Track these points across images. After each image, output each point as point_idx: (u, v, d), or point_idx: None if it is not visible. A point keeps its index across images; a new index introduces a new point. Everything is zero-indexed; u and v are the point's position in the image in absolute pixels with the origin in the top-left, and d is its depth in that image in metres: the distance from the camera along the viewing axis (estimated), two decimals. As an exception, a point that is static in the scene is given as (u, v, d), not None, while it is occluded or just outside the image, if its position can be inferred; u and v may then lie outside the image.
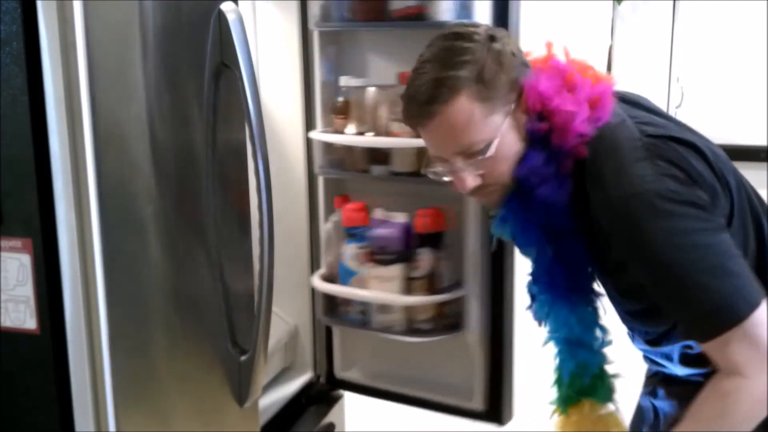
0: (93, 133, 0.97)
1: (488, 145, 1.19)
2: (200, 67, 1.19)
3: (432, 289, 1.75)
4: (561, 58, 1.27)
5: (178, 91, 1.14)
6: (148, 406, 1.13)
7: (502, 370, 1.77)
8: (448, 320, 1.79)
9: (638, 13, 2.46)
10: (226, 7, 1.21)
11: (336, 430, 1.79)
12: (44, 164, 0.97)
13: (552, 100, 1.19)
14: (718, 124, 2.98)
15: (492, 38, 1.20)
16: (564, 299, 1.30)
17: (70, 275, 0.99)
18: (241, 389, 1.33)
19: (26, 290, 1.02)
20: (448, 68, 1.16)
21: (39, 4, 0.94)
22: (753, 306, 1.08)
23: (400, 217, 1.75)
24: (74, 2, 0.93)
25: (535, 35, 3.34)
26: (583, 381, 1.35)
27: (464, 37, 1.19)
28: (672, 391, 1.33)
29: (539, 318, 1.35)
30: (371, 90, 1.71)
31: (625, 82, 2.49)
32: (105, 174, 0.99)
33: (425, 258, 1.74)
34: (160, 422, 1.15)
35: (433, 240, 1.75)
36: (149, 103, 1.09)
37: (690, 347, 1.25)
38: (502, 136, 1.19)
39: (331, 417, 1.78)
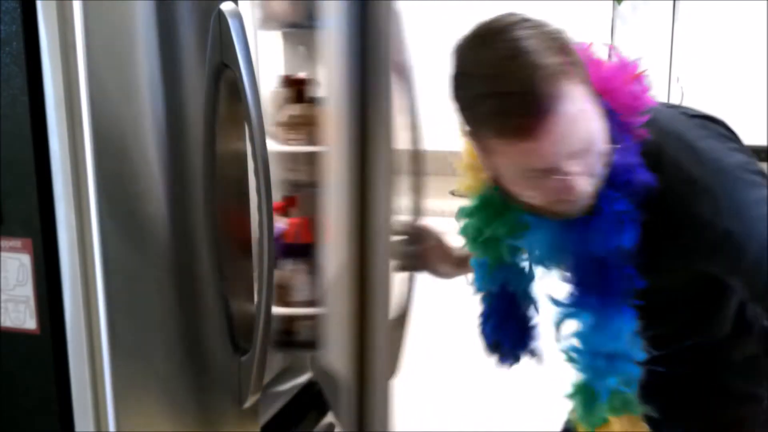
0: (93, 133, 0.97)
1: (594, 141, 1.08)
2: (200, 67, 1.19)
3: (283, 302, 1.66)
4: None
5: (178, 91, 1.14)
6: (148, 406, 1.13)
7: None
8: (298, 337, 1.73)
9: (638, 13, 2.46)
10: (226, 7, 1.21)
11: (336, 430, 1.78)
12: (44, 164, 0.97)
13: (613, 81, 1.13)
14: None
15: (555, 29, 1.10)
16: (610, 308, 1.20)
17: (70, 275, 0.99)
18: (241, 389, 1.33)
19: (26, 290, 1.02)
20: (543, 57, 1.02)
21: (39, 4, 0.94)
22: None
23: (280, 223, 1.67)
24: (74, 2, 0.93)
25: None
26: (625, 396, 1.26)
27: (546, 30, 1.08)
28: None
29: (559, 324, 1.27)
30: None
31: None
32: (105, 174, 0.99)
33: (286, 269, 1.66)
34: (160, 422, 1.15)
35: (301, 251, 1.66)
36: (149, 103, 1.09)
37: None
38: (597, 125, 1.09)
39: (331, 417, 1.78)
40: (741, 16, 2.92)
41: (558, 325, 1.26)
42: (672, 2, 2.44)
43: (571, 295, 1.23)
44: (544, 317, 1.38)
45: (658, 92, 2.48)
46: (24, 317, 1.03)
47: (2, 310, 1.03)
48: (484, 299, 1.44)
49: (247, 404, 1.35)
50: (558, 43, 1.06)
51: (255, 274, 1.37)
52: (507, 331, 1.42)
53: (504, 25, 1.09)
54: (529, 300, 1.41)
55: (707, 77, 2.95)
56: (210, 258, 1.24)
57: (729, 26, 2.94)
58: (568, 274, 1.24)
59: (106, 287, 1.00)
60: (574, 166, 1.07)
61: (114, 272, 1.02)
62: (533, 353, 1.43)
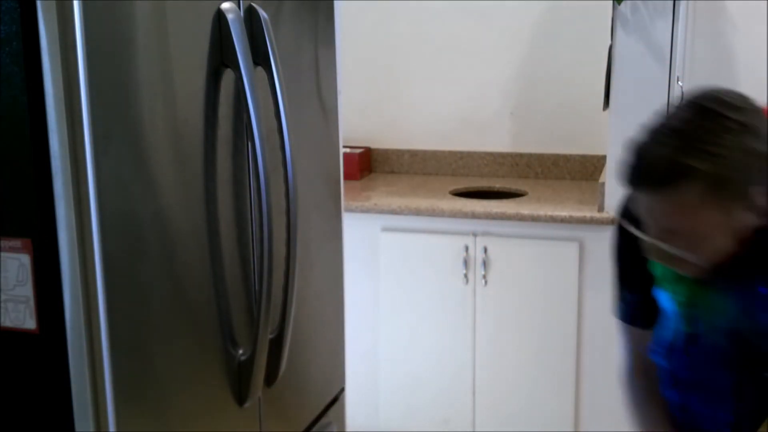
0: (93, 133, 0.97)
1: (688, 239, 1.13)
2: (200, 67, 1.19)
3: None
4: None
5: (178, 91, 1.14)
6: (148, 406, 1.13)
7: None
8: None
9: (638, 13, 2.46)
10: (226, 7, 1.22)
11: (336, 429, 1.79)
12: (44, 164, 0.97)
13: None
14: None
15: (747, 128, 1.08)
16: None
17: (70, 275, 0.99)
18: (241, 389, 1.33)
19: (26, 290, 1.02)
20: (688, 153, 1.07)
21: (39, 4, 0.94)
22: None
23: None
24: (74, 2, 0.93)
25: (533, 35, 3.35)
26: None
27: (719, 117, 1.08)
28: None
29: None
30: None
31: (625, 82, 2.49)
32: (105, 174, 0.99)
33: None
34: (160, 422, 1.15)
35: None
36: (149, 103, 1.09)
37: None
38: (710, 234, 1.12)
39: (330, 416, 1.78)
40: (741, 16, 2.92)
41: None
42: (672, 2, 2.43)
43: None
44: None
45: (658, 93, 2.48)
46: (24, 317, 1.03)
47: (2, 310, 1.03)
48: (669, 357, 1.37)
49: (247, 404, 1.35)
50: (709, 149, 1.07)
51: (255, 274, 1.37)
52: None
53: (695, 96, 1.14)
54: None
55: (707, 77, 2.95)
56: (210, 257, 1.24)
57: (729, 26, 2.94)
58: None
59: (106, 287, 1.01)
60: (662, 236, 1.14)
61: (114, 272, 1.02)
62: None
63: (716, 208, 1.09)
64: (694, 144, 1.07)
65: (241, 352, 1.33)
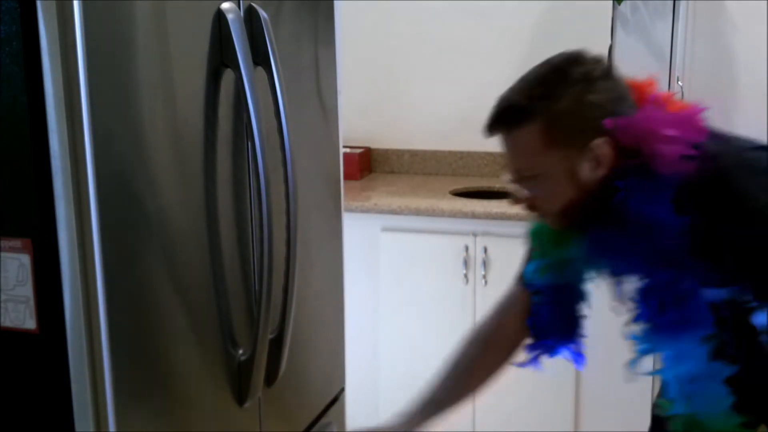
0: (93, 133, 0.97)
1: (535, 177, 1.25)
2: (200, 67, 1.19)
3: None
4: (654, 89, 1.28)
5: (178, 91, 1.14)
6: (148, 406, 1.13)
7: None
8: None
9: (638, 13, 2.46)
10: (226, 7, 1.22)
11: (336, 429, 1.79)
12: (44, 164, 0.97)
13: (649, 130, 1.20)
14: (719, 124, 2.98)
15: (589, 81, 1.21)
16: (685, 334, 1.25)
17: (70, 275, 0.99)
18: (241, 389, 1.33)
19: (26, 290, 1.02)
20: (529, 97, 1.23)
21: (39, 4, 0.94)
22: None
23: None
24: (74, 2, 0.93)
25: (533, 35, 3.35)
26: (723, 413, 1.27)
27: (563, 71, 1.22)
28: None
29: (644, 352, 1.30)
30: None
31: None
32: (105, 174, 0.99)
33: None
34: (160, 422, 1.15)
35: None
36: (149, 103, 1.09)
37: None
38: (550, 175, 1.24)
39: (330, 416, 1.78)
40: (741, 16, 2.92)
41: (638, 359, 1.30)
42: (672, 2, 2.44)
43: (644, 327, 1.28)
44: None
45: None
46: (24, 317, 1.03)
47: (2, 310, 1.03)
48: (536, 294, 1.47)
49: (247, 404, 1.35)
50: (547, 92, 1.22)
51: (255, 274, 1.37)
52: (555, 324, 1.46)
53: (554, 56, 1.26)
54: (582, 295, 1.46)
55: (707, 77, 2.95)
56: (210, 257, 1.24)
57: (729, 26, 2.94)
58: (636, 303, 1.28)
59: (106, 287, 1.01)
60: (513, 178, 1.29)
61: (114, 272, 1.02)
62: (576, 349, 1.48)
63: (554, 149, 1.22)
64: (535, 90, 1.23)
65: (241, 352, 1.33)
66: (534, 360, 1.50)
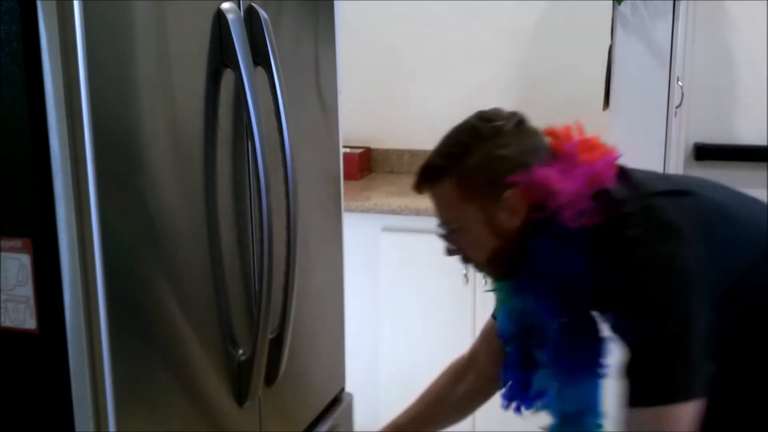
0: (93, 133, 0.97)
1: (459, 229, 1.34)
2: (200, 67, 1.19)
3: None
4: (574, 135, 1.34)
5: (178, 91, 1.14)
6: (148, 406, 1.13)
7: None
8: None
9: (638, 13, 2.46)
10: (226, 7, 1.22)
11: (341, 429, 1.79)
12: (44, 164, 0.97)
13: (551, 185, 1.25)
14: (719, 124, 2.98)
15: (498, 136, 1.28)
16: (576, 375, 1.31)
17: (70, 275, 0.99)
18: (241, 389, 1.33)
19: (26, 290, 1.02)
20: (443, 156, 1.33)
21: (39, 4, 0.93)
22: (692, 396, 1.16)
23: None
24: (74, 2, 0.93)
25: (533, 35, 3.34)
26: None
27: (474, 128, 1.31)
28: None
29: (538, 387, 1.39)
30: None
31: (625, 82, 2.49)
32: (105, 174, 0.99)
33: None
34: (160, 422, 1.15)
35: None
36: (149, 103, 1.09)
37: None
38: (471, 227, 1.32)
39: (330, 416, 1.78)
40: (741, 16, 2.92)
41: (530, 389, 1.40)
42: (672, 2, 2.43)
43: (543, 359, 1.36)
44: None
45: (658, 93, 2.48)
46: (24, 317, 1.03)
47: (2, 310, 1.03)
48: (507, 344, 1.50)
49: (247, 404, 1.35)
50: (458, 152, 1.30)
51: (255, 274, 1.37)
52: (517, 376, 1.48)
53: (480, 117, 1.33)
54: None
55: (707, 77, 2.95)
56: (210, 257, 1.24)
57: (729, 26, 2.94)
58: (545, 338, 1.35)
59: (106, 287, 1.00)
60: (441, 231, 1.37)
61: (114, 272, 1.02)
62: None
63: (470, 202, 1.31)
64: (449, 148, 1.33)
65: (241, 352, 1.33)
66: (516, 410, 1.52)
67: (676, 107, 2.63)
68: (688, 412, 1.16)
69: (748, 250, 1.26)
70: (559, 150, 1.31)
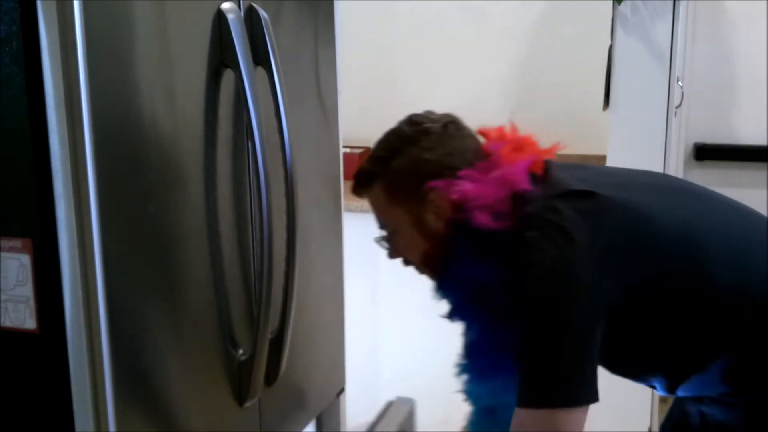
0: (93, 133, 0.97)
1: (394, 231, 1.36)
2: (200, 67, 1.19)
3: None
4: (507, 135, 1.36)
5: (178, 91, 1.14)
6: (148, 406, 1.13)
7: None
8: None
9: (638, 13, 2.46)
10: (226, 7, 1.22)
11: (336, 429, 1.79)
12: (44, 164, 0.97)
13: (467, 189, 1.26)
14: (719, 124, 2.98)
15: (423, 139, 1.30)
16: (489, 372, 1.34)
17: (70, 275, 0.99)
18: (241, 389, 1.33)
19: (26, 290, 1.02)
20: (373, 161, 1.35)
21: (39, 4, 0.94)
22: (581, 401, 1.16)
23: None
24: (74, 2, 0.93)
25: (533, 35, 3.34)
26: None
27: (401, 132, 1.34)
28: (726, 400, 1.31)
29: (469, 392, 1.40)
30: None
31: (625, 82, 2.49)
32: (105, 174, 0.99)
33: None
34: (160, 422, 1.15)
35: None
36: (149, 103, 1.09)
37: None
38: (403, 229, 1.34)
39: (330, 416, 1.78)
40: (741, 16, 2.92)
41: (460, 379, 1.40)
42: (672, 2, 2.43)
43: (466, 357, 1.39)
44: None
45: (658, 93, 2.48)
46: (24, 317, 1.03)
47: (2, 310, 1.03)
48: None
49: (247, 404, 1.35)
50: (386, 155, 1.33)
51: (255, 274, 1.37)
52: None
53: (414, 120, 1.36)
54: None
55: (707, 77, 2.95)
56: (210, 257, 1.24)
57: (729, 26, 2.94)
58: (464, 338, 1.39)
59: (106, 287, 1.00)
60: (389, 241, 1.38)
61: (114, 272, 1.02)
62: None
63: (399, 204, 1.33)
64: (378, 153, 1.35)
65: (241, 352, 1.33)
66: None
67: (676, 107, 2.63)
68: (565, 418, 1.16)
69: (661, 256, 1.22)
70: (486, 151, 1.32)
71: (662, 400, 2.62)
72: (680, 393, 1.33)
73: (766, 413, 1.26)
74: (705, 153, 2.95)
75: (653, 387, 1.36)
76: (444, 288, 1.35)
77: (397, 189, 1.32)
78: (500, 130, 1.37)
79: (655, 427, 2.60)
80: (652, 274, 1.21)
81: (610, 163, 2.55)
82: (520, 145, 1.34)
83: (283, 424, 1.54)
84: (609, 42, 2.55)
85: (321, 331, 1.71)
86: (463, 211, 1.26)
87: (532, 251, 1.18)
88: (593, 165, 1.43)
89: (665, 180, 1.39)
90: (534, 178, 1.28)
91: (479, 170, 1.28)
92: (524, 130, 1.43)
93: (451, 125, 1.33)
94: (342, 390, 1.86)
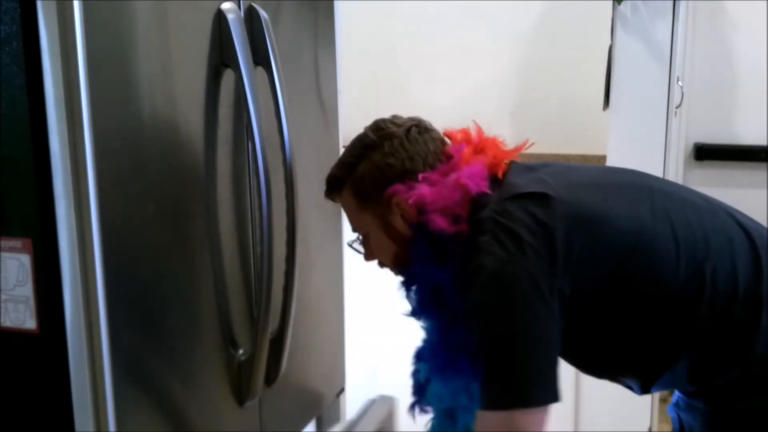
0: (93, 133, 0.97)
1: (365, 234, 1.39)
2: (200, 67, 1.19)
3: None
4: (472, 137, 1.38)
5: (178, 91, 1.14)
6: (148, 406, 1.13)
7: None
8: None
9: (638, 13, 2.46)
10: (226, 7, 1.22)
11: (337, 429, 1.79)
12: (44, 164, 0.97)
13: (424, 192, 1.28)
14: (719, 124, 2.98)
15: (386, 144, 1.31)
16: (446, 373, 1.34)
17: (70, 275, 0.99)
18: (241, 389, 1.33)
19: (26, 290, 1.02)
20: (340, 166, 1.36)
21: (39, 4, 0.94)
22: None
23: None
24: (74, 2, 0.93)
25: (533, 35, 3.34)
26: None
27: (366, 137, 1.34)
28: (693, 404, 1.32)
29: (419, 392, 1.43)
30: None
31: (625, 82, 2.49)
32: (105, 174, 0.99)
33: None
34: (160, 422, 1.15)
35: None
36: (149, 103, 1.09)
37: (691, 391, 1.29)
38: (372, 233, 1.36)
39: (330, 416, 1.78)
40: (741, 16, 2.92)
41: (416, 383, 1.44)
42: (672, 2, 2.43)
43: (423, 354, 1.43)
44: None
45: (658, 93, 2.48)
46: (24, 317, 1.03)
47: (2, 310, 1.03)
48: None
49: (247, 404, 1.35)
50: (351, 161, 1.34)
51: (255, 274, 1.37)
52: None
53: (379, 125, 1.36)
54: None
55: (707, 77, 2.94)
56: (210, 257, 1.24)
57: (729, 26, 2.94)
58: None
59: (106, 287, 1.00)
60: (361, 244, 1.41)
61: (114, 272, 1.02)
62: None
63: (366, 208, 1.35)
64: (345, 158, 1.36)
65: (241, 352, 1.33)
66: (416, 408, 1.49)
67: (676, 107, 2.63)
68: (521, 419, 1.17)
69: (613, 256, 1.22)
70: (449, 154, 1.34)
71: (662, 400, 2.63)
72: (654, 390, 1.34)
73: (722, 416, 1.27)
74: (705, 153, 2.95)
75: (630, 388, 1.36)
76: (407, 287, 1.37)
77: (363, 194, 1.34)
78: (465, 132, 1.39)
79: (655, 427, 2.60)
80: (605, 273, 1.21)
81: (610, 162, 2.55)
82: (483, 146, 1.35)
83: (283, 424, 1.54)
84: (609, 42, 2.55)
85: (321, 331, 1.71)
86: (424, 214, 1.28)
87: (483, 255, 1.18)
88: (558, 164, 1.41)
89: (626, 177, 1.37)
90: (494, 180, 1.30)
91: (439, 173, 1.30)
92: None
93: (413, 129, 1.34)
94: (342, 390, 1.86)
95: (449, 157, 1.33)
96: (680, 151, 2.90)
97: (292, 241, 1.37)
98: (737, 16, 2.90)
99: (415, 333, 1.66)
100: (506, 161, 1.34)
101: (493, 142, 1.38)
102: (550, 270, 1.16)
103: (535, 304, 1.16)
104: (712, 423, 1.28)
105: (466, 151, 1.33)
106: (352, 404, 1.97)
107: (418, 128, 1.34)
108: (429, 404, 1.40)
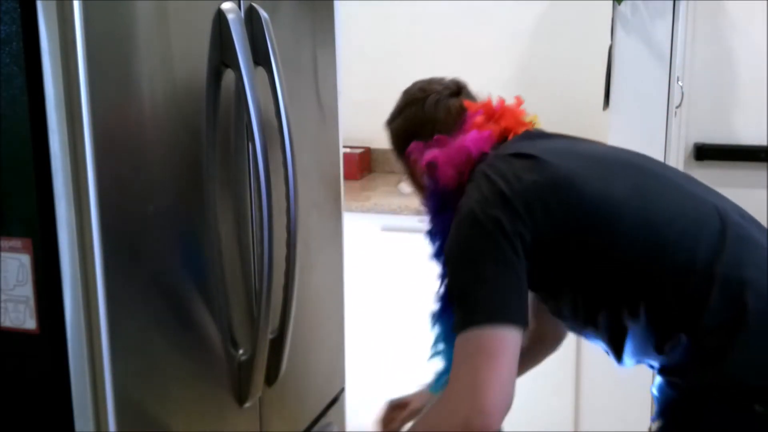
0: (93, 133, 0.97)
1: (408, 176, 1.59)
2: (200, 67, 1.19)
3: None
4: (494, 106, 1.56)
5: (177, 91, 1.14)
6: (148, 406, 1.13)
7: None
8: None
9: (638, 13, 2.46)
10: (226, 7, 1.22)
11: (336, 429, 1.79)
12: (44, 164, 0.97)
13: (432, 155, 1.45)
14: (719, 124, 2.98)
15: (419, 102, 1.54)
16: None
17: (70, 275, 0.99)
18: (241, 389, 1.33)
19: (26, 290, 1.02)
20: (392, 113, 1.61)
21: (39, 4, 0.94)
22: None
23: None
24: (74, 2, 0.93)
25: (533, 35, 3.34)
26: None
27: (408, 94, 1.58)
28: (663, 383, 1.36)
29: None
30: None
31: (625, 82, 2.49)
32: (105, 174, 0.99)
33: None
34: (160, 422, 1.15)
35: None
36: (149, 103, 1.09)
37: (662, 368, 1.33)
38: (407, 177, 1.60)
39: (330, 416, 1.78)
40: (741, 16, 2.92)
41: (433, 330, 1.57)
42: (672, 2, 2.43)
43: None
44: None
45: (658, 93, 2.48)
46: (24, 317, 1.03)
47: (2, 310, 1.03)
48: None
49: (247, 404, 1.35)
50: (397, 114, 1.59)
51: (255, 274, 1.37)
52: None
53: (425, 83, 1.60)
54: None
55: (707, 77, 2.95)
56: (210, 257, 1.24)
57: (729, 26, 2.94)
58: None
59: (106, 287, 1.00)
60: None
61: (114, 272, 1.02)
62: None
63: (400, 157, 1.58)
64: (394, 109, 1.60)
65: (241, 352, 1.33)
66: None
67: (676, 107, 2.63)
68: (489, 336, 1.23)
69: (578, 215, 1.30)
70: (464, 121, 1.51)
71: (662, 400, 2.62)
72: (629, 360, 1.37)
73: (681, 394, 1.31)
74: (705, 153, 2.95)
75: (608, 353, 1.41)
76: (430, 235, 1.53)
77: (397, 144, 1.58)
78: (488, 102, 1.57)
79: (655, 428, 2.60)
80: (567, 229, 1.29)
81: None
82: (500, 116, 1.52)
83: (284, 424, 1.54)
84: (609, 42, 2.55)
85: (321, 331, 1.71)
86: (434, 170, 1.45)
87: (464, 198, 1.33)
88: (566, 136, 1.58)
89: (623, 156, 1.46)
90: (500, 145, 1.45)
91: (451, 136, 1.47)
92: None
93: (445, 92, 1.56)
94: (342, 390, 1.86)
95: (464, 124, 1.50)
96: (680, 151, 2.89)
97: (292, 241, 1.37)
98: (737, 16, 2.90)
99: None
100: (521, 130, 1.50)
101: (512, 113, 1.55)
102: (514, 215, 1.26)
103: (498, 239, 1.26)
104: (674, 402, 1.34)
105: (478, 119, 1.50)
106: (352, 404, 1.97)
107: (456, 91, 1.57)
108: (438, 356, 1.57)
